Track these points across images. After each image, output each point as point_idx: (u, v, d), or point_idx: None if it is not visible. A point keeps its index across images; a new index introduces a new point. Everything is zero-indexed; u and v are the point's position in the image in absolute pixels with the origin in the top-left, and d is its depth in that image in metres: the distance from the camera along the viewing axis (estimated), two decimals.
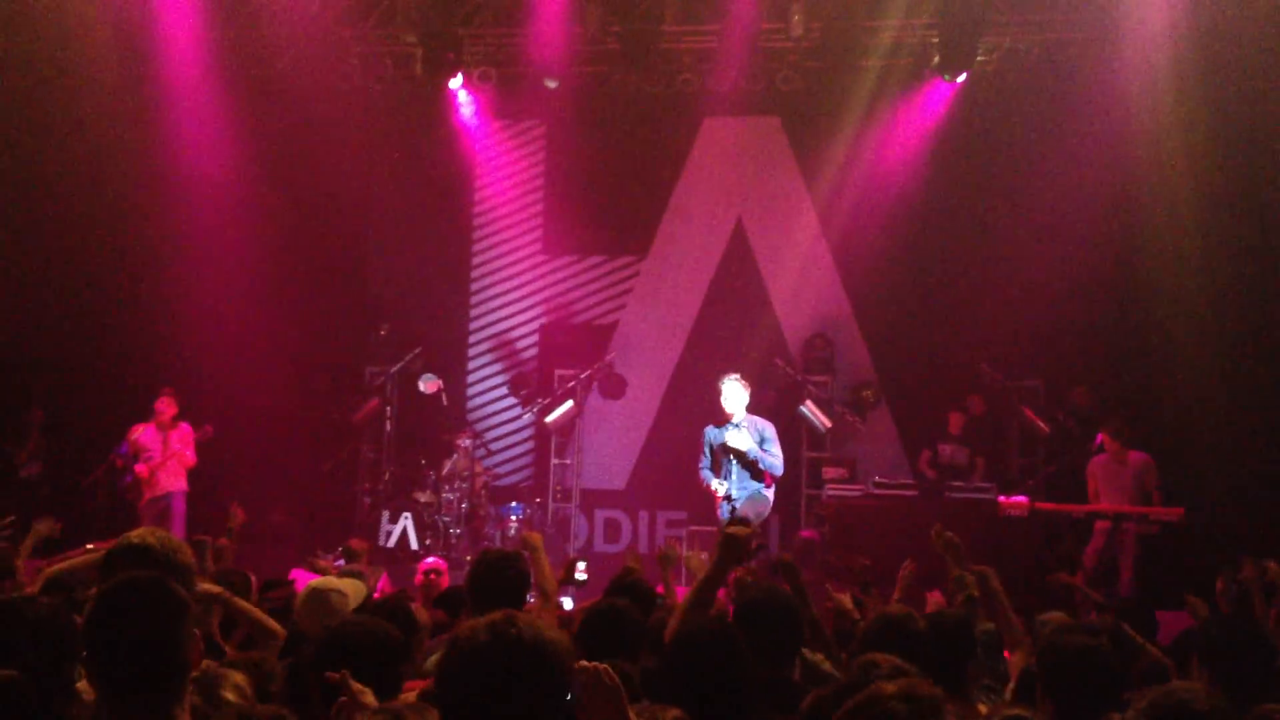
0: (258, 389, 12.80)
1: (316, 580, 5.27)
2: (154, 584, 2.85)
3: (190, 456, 11.38)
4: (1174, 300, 11.71)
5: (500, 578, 4.90)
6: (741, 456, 9.57)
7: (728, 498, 9.57)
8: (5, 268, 12.16)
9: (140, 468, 11.23)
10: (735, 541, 4.66)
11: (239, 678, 3.62)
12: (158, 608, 2.79)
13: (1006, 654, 5.18)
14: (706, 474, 9.80)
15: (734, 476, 9.67)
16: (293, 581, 6.50)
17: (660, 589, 6.30)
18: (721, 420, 9.82)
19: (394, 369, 13.35)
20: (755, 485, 9.69)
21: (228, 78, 13.00)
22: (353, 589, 5.04)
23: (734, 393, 9.76)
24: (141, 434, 11.35)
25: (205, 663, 3.49)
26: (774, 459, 9.69)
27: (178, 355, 12.74)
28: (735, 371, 9.94)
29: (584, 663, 2.82)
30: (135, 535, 3.67)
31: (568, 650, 2.37)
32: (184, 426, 11.41)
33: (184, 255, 13.11)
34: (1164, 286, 11.84)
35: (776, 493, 10.03)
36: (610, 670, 2.87)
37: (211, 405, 12.03)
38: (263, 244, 13.05)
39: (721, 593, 5.66)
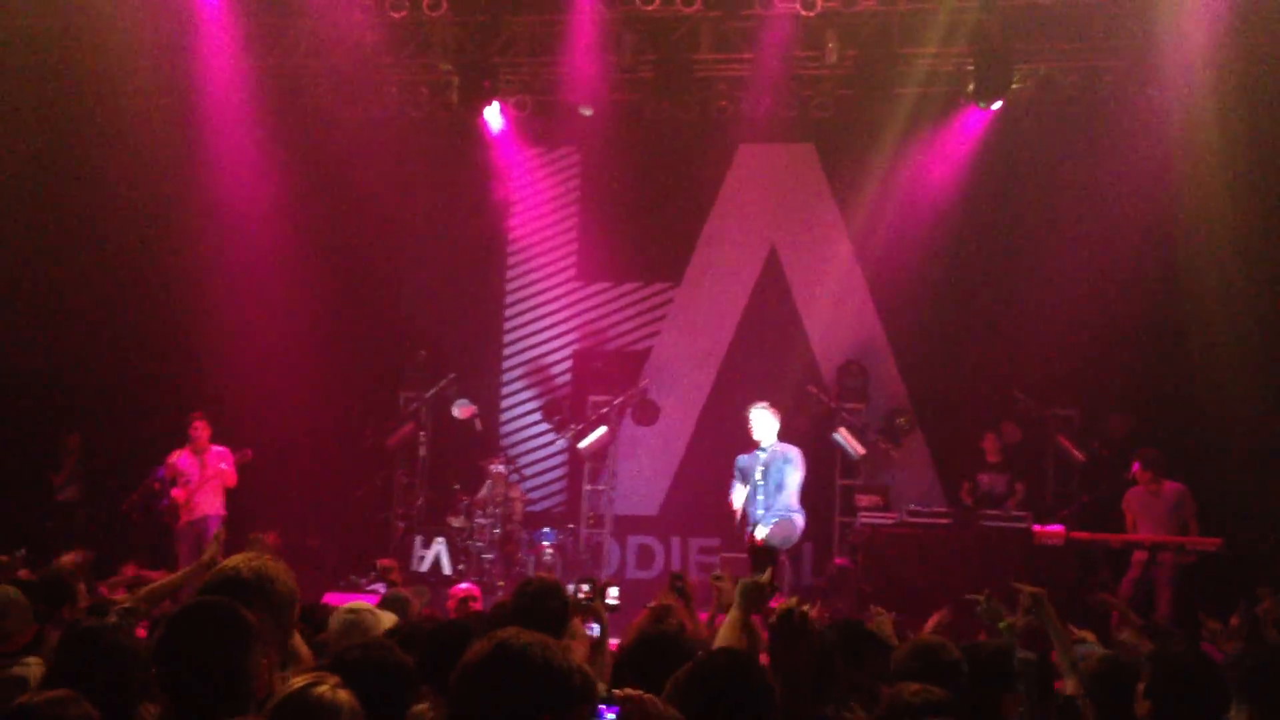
0: (293, 414, 12.91)
1: (351, 603, 5.29)
2: (221, 609, 2.89)
3: (231, 476, 11.44)
4: (1211, 328, 11.60)
5: (542, 608, 4.86)
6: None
7: (745, 519, 9.60)
8: (44, 293, 12.34)
9: (177, 492, 11.32)
10: (756, 591, 4.62)
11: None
12: (224, 632, 2.82)
13: (1058, 685, 5.10)
14: (735, 496, 9.83)
15: (760, 497, 9.67)
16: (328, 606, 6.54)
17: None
18: (751, 448, 9.83)
19: (428, 394, 13.41)
20: (784, 506, 9.64)
21: (267, 107, 13.14)
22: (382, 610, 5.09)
23: (762, 420, 9.83)
24: (179, 458, 11.44)
25: None
26: (782, 514, 9.64)
27: (215, 380, 12.85)
28: (765, 400, 9.96)
29: (627, 690, 2.81)
30: (230, 563, 3.57)
31: (578, 675, 2.39)
32: (220, 449, 11.48)
33: (221, 280, 13.26)
34: (1201, 315, 11.73)
35: (809, 520, 10.00)
36: (654, 699, 2.86)
37: (248, 430, 12.12)
38: (299, 269, 13.16)
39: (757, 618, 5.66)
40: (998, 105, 12.49)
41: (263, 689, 2.98)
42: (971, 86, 12.43)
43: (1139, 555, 10.73)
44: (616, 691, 2.80)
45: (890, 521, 11.23)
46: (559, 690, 2.42)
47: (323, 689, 2.73)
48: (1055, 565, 10.41)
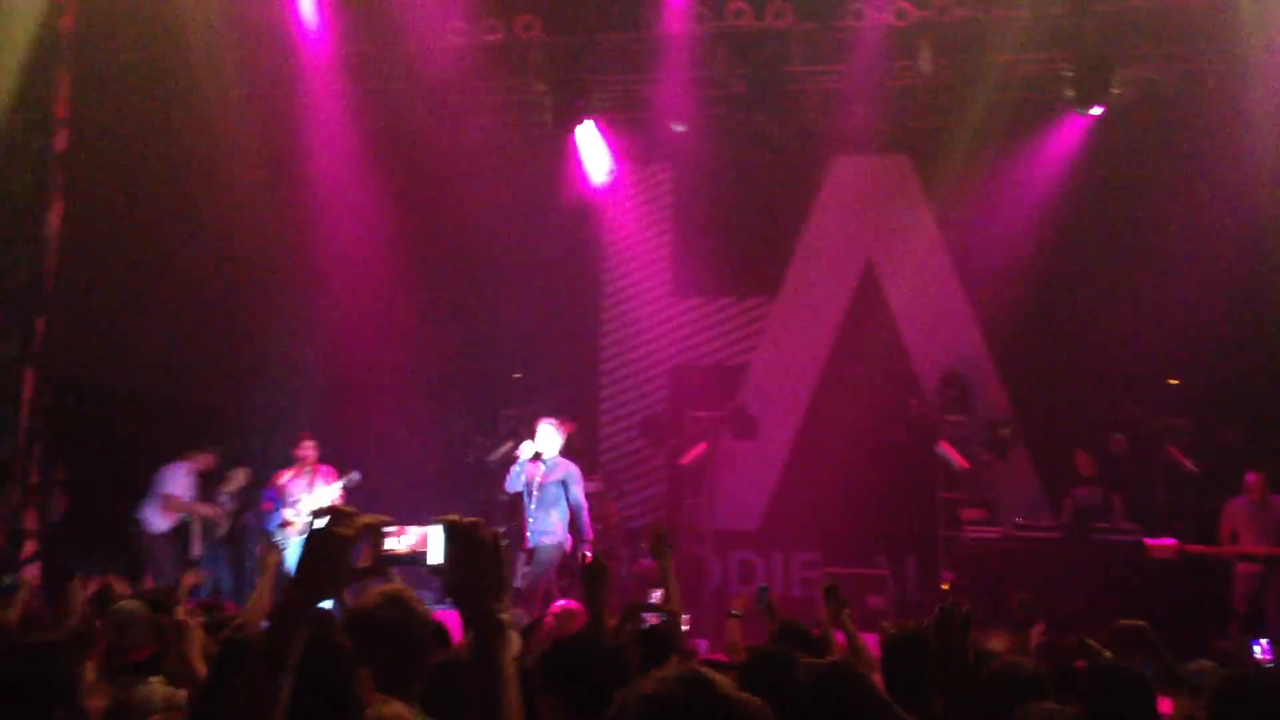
0: (396, 432, 13.09)
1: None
2: (318, 632, 2.93)
3: (340, 499, 11.56)
4: None
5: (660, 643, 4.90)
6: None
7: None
8: (153, 317, 12.60)
9: (287, 512, 11.48)
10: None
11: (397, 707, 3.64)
12: (324, 654, 2.85)
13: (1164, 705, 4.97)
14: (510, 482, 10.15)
15: (532, 506, 9.96)
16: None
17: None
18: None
19: (527, 411, 13.48)
20: (550, 528, 9.93)
21: (365, 130, 13.34)
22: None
23: (546, 434, 10.09)
24: (287, 479, 11.60)
25: None
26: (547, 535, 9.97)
27: (320, 399, 13.06)
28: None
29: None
30: (371, 599, 3.56)
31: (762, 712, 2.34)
32: (327, 469, 11.61)
33: (323, 302, 13.49)
34: None
35: (914, 533, 9.91)
36: None
37: (352, 450, 12.28)
38: (398, 291, 13.38)
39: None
40: (1097, 111, 12.27)
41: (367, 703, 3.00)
42: (1070, 92, 12.20)
43: (1246, 569, 10.46)
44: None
45: (996, 536, 11.05)
46: None
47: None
48: (1168, 579, 10.20)
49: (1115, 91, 12.25)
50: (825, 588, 6.35)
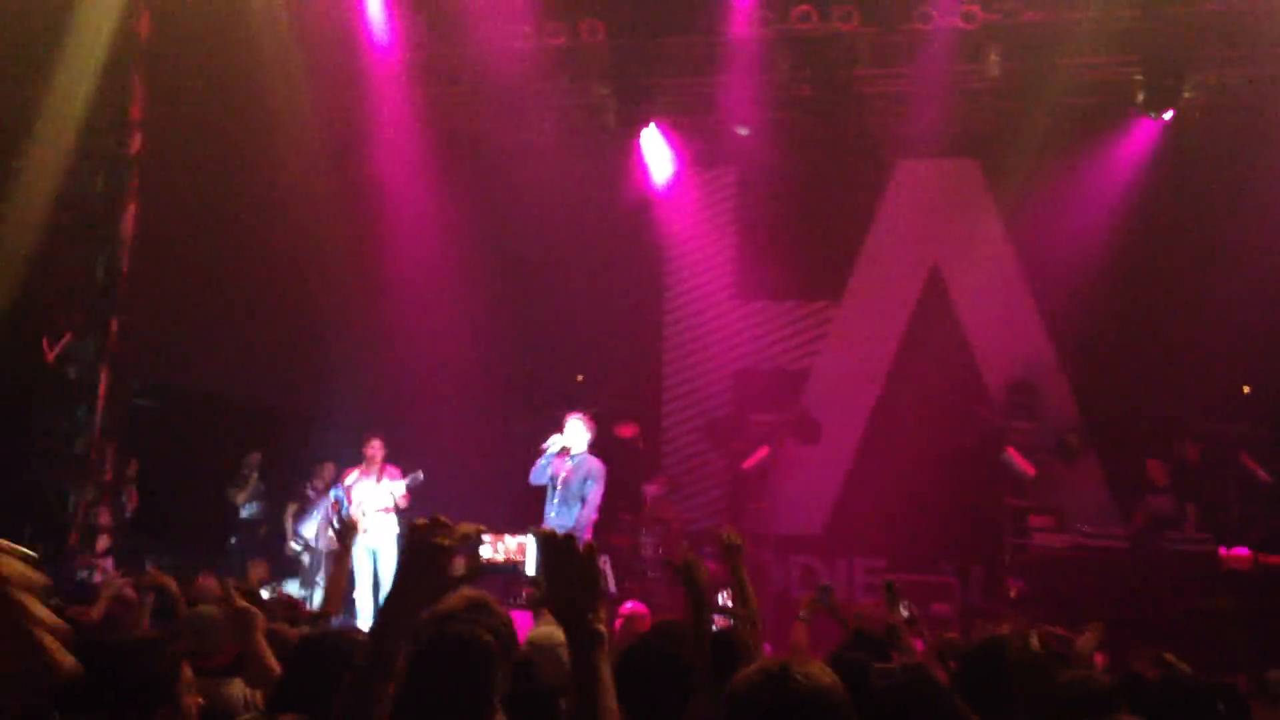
0: (459, 433, 13.16)
1: (537, 633, 5.27)
2: (468, 635, 2.97)
3: (404, 498, 11.68)
4: None
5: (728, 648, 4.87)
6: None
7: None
8: (225, 317, 12.77)
9: (353, 509, 11.58)
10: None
11: None
12: (470, 659, 2.90)
13: None
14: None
15: (555, 501, 10.03)
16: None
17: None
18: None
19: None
20: (579, 523, 9.93)
21: (431, 135, 13.44)
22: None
23: (575, 429, 10.25)
24: (353, 478, 11.72)
25: None
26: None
27: (385, 400, 13.18)
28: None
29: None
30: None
31: (844, 699, 2.37)
32: (393, 469, 11.72)
33: (389, 304, 13.61)
34: None
35: (980, 540, 9.84)
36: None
37: (415, 450, 12.37)
38: (463, 293, 13.46)
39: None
40: (1169, 115, 12.11)
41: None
42: (1141, 96, 12.07)
43: None
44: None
45: (1065, 544, 10.93)
46: None
47: None
48: (1241, 589, 10.04)
49: (1186, 95, 12.11)
50: (885, 583, 6.35)
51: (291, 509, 12.69)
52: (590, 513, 10.12)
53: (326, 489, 12.58)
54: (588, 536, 10.06)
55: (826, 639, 6.36)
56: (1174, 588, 10.05)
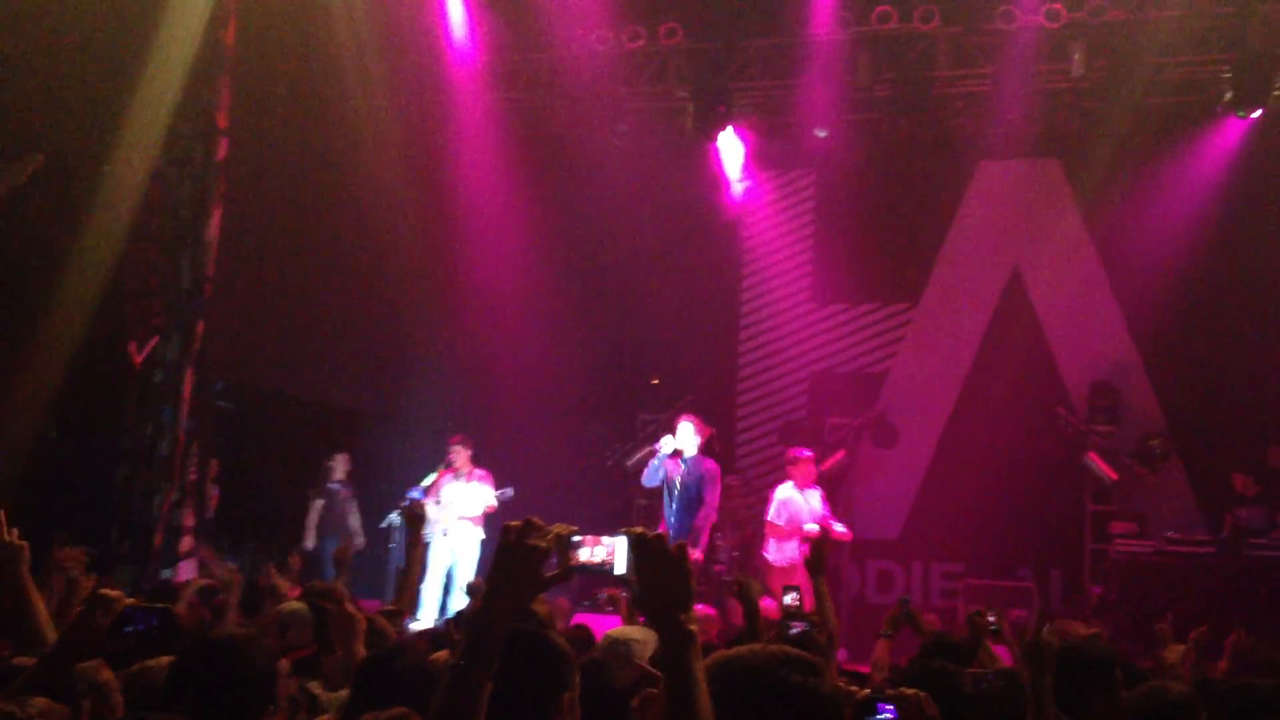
0: (535, 435, 13.25)
1: (615, 630, 5.32)
2: (535, 637, 3.01)
3: (491, 506, 11.62)
4: None
5: None
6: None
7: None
8: (307, 321, 12.96)
9: (430, 505, 11.60)
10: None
11: None
12: (540, 659, 2.93)
13: None
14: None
15: (674, 506, 9.97)
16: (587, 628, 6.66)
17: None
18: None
19: (665, 416, 13.53)
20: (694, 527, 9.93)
21: (511, 139, 13.54)
22: (644, 635, 5.10)
23: (685, 432, 10.14)
24: (431, 479, 11.75)
25: None
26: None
27: (464, 402, 13.31)
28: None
29: (903, 690, 2.88)
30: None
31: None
32: (482, 472, 11.68)
33: (468, 307, 13.74)
34: None
35: (1059, 545, 9.72)
36: (928, 699, 2.92)
37: (492, 451, 12.44)
38: (542, 295, 13.56)
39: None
40: (1257, 114, 11.87)
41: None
42: (1228, 95, 11.83)
43: None
44: (891, 691, 2.84)
45: (1148, 550, 10.76)
46: None
47: None
48: None
49: (1277, 94, 11.85)
50: (900, 600, 6.40)
51: (317, 505, 12.74)
52: (710, 513, 10.11)
53: (347, 481, 12.69)
54: (705, 537, 10.08)
55: (903, 648, 6.34)
56: (1261, 595, 9.84)
